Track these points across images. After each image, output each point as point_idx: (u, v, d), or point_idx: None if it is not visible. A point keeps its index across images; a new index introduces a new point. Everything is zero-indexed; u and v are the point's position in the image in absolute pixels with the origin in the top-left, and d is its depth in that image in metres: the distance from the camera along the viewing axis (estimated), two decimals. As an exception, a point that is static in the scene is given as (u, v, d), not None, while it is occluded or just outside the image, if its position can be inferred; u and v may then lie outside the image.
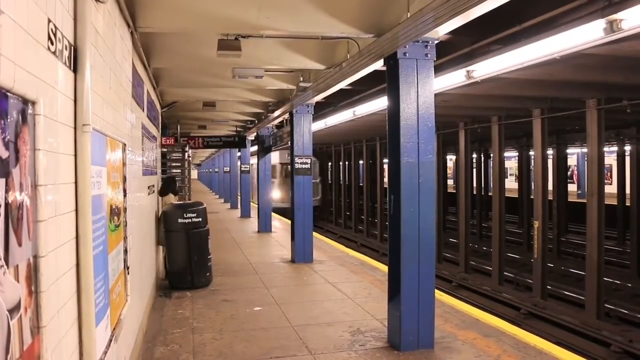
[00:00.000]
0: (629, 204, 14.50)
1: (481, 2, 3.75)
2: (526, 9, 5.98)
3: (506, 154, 14.82)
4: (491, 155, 14.84)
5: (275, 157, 22.00)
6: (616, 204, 15.99)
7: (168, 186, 8.82)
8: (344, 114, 11.92)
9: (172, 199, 8.52)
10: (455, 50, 7.42)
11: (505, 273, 12.83)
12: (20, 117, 1.72)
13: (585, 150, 16.76)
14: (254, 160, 20.91)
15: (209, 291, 7.56)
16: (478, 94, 9.23)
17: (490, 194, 16.68)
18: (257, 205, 16.21)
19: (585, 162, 13.21)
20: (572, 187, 28.14)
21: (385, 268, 7.51)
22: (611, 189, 15.96)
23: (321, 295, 7.30)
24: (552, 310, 10.49)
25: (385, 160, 17.09)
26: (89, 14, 2.57)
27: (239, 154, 22.96)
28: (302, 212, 9.64)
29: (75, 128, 2.46)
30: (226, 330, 5.74)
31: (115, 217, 3.46)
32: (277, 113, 10.59)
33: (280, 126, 13.53)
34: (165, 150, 11.72)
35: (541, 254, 10.88)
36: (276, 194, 22.20)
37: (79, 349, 2.45)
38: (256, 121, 14.11)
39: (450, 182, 24.98)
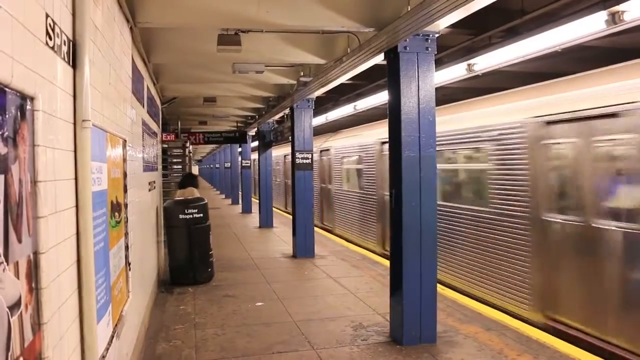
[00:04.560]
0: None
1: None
2: (528, 1, 5.94)
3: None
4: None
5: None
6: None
7: (187, 180, 8.99)
8: (344, 108, 11.89)
9: (195, 192, 8.60)
10: (456, 44, 7.39)
11: None
12: (18, 112, 1.70)
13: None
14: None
15: (211, 287, 7.57)
16: (479, 88, 9.21)
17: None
18: (258, 201, 16.16)
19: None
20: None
21: (386, 263, 7.51)
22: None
23: (323, 290, 7.30)
24: None
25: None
26: (87, 9, 2.55)
27: (239, 149, 22.96)
28: (303, 207, 9.64)
29: (74, 124, 2.44)
30: (228, 325, 5.74)
31: (116, 213, 3.46)
32: (277, 108, 10.58)
33: (280, 121, 13.51)
34: (166, 146, 11.71)
35: None
36: None
37: (81, 346, 2.45)
38: (257, 116, 14.09)
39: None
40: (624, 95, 4.85)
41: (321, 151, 14.54)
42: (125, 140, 3.89)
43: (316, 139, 14.85)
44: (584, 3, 5.37)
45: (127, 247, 3.89)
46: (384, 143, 9.80)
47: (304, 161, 9.56)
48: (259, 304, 6.60)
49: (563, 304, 5.53)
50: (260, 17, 5.05)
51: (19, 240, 1.67)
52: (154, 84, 7.96)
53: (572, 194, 5.50)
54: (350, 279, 7.82)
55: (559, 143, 5.62)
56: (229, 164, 25.14)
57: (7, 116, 1.59)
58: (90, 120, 2.50)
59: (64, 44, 2.31)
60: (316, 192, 14.27)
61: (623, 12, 4.57)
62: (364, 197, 11.25)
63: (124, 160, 3.83)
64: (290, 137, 10.00)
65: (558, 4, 5.62)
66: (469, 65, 6.83)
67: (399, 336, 5.08)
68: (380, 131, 10.16)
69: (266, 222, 14.42)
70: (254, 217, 16.39)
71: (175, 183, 11.07)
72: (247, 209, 18.90)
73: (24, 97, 1.75)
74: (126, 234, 3.87)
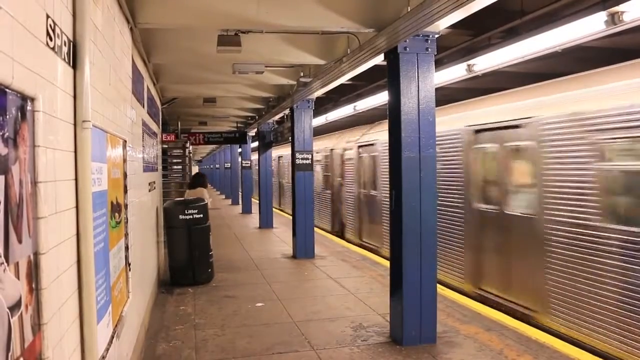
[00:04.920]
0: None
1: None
2: (527, 1, 5.95)
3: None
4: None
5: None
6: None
7: (197, 180, 9.07)
8: (344, 109, 11.90)
9: (205, 193, 8.61)
10: (455, 44, 7.40)
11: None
12: (19, 113, 1.70)
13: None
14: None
15: (211, 287, 7.57)
16: (479, 88, 9.21)
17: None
18: (258, 201, 16.15)
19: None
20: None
21: (386, 263, 7.51)
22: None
23: (323, 290, 7.30)
24: None
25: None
26: (87, 10, 2.55)
27: (239, 149, 22.96)
28: (303, 207, 9.65)
29: (75, 124, 2.44)
30: (228, 326, 5.74)
31: (116, 214, 3.46)
32: (277, 109, 10.58)
33: (280, 122, 13.51)
34: (166, 146, 11.71)
35: None
36: None
37: (81, 346, 2.45)
38: (257, 117, 14.09)
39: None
40: None
41: (359, 147, 11.53)
42: (126, 141, 3.89)
43: (346, 132, 13.63)
44: (583, 3, 5.37)
45: (127, 248, 3.89)
46: (478, 132, 6.83)
47: (304, 161, 9.56)
48: (259, 304, 6.60)
49: None
50: (260, 18, 5.06)
51: (20, 241, 1.67)
52: (154, 85, 7.96)
53: None
54: (350, 280, 7.82)
55: None
56: (229, 164, 25.16)
57: (7, 117, 1.59)
58: (91, 120, 2.50)
59: (65, 45, 2.31)
60: (352, 198, 12.03)
61: (623, 12, 4.57)
62: (440, 210, 7.24)
63: (124, 160, 3.83)
64: (290, 138, 10.00)
65: (558, 4, 5.63)
66: (468, 65, 6.84)
67: (399, 336, 5.08)
68: (466, 115, 7.25)
69: (266, 222, 14.43)
70: (254, 218, 16.40)
71: (175, 183, 11.09)
72: (247, 210, 18.90)
73: (24, 98, 1.76)
74: (126, 235, 3.87)
